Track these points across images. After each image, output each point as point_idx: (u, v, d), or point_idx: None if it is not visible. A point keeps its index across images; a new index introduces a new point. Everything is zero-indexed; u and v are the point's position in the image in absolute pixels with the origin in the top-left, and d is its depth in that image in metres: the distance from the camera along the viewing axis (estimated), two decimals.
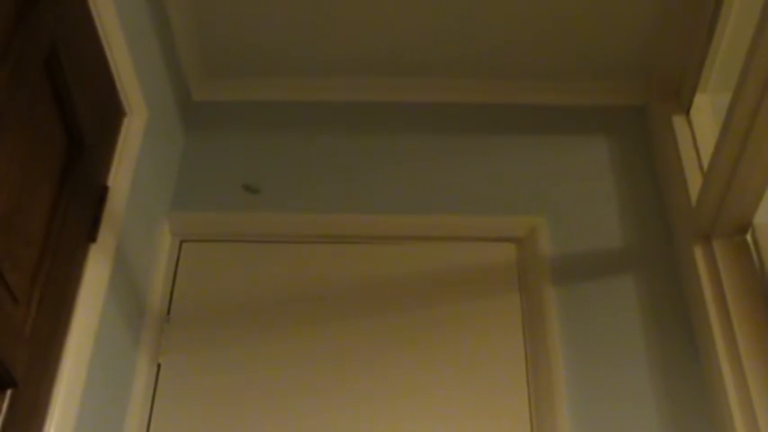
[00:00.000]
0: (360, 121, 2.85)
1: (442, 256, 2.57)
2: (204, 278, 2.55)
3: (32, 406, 1.63)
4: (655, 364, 2.34)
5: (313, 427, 2.30)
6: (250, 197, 2.66)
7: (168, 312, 2.48)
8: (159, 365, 2.39)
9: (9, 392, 1.53)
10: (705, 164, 2.47)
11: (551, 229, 2.58)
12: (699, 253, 2.35)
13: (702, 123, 2.64)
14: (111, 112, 2.12)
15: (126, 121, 2.20)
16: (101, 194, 2.02)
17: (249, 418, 2.32)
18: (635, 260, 2.52)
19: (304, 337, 2.43)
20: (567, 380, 2.31)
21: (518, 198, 2.67)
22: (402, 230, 2.62)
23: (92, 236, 1.95)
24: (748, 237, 2.34)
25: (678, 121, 2.67)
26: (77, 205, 1.86)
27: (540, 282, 2.48)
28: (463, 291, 2.51)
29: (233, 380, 2.37)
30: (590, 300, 2.45)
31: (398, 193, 2.68)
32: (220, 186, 2.69)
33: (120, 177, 2.11)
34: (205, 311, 2.49)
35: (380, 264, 2.56)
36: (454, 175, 2.71)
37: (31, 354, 1.61)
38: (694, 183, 2.47)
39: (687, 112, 2.68)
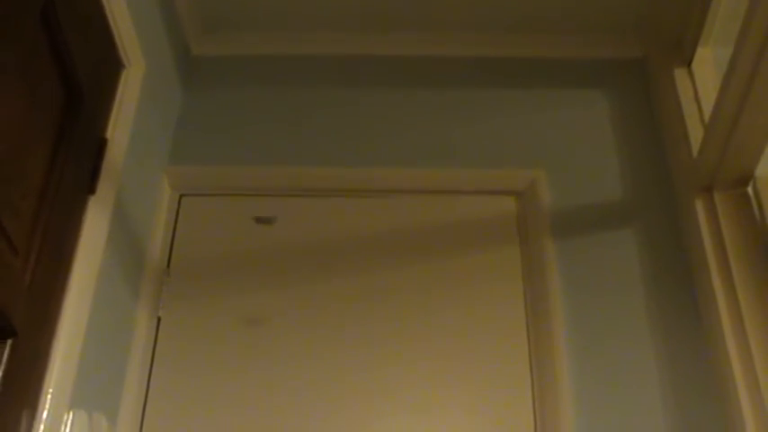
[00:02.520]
0: (358, 75, 2.83)
1: (442, 209, 2.57)
2: (204, 232, 2.55)
3: (33, 356, 1.64)
4: (655, 316, 2.34)
5: (312, 378, 2.31)
6: (248, 151, 2.66)
7: (168, 266, 2.48)
8: (159, 319, 2.39)
9: (9, 342, 1.53)
10: (707, 116, 2.46)
11: (551, 183, 2.57)
12: (700, 205, 2.34)
13: (704, 76, 2.61)
14: (109, 65, 2.10)
15: (124, 74, 2.19)
16: (99, 146, 2.01)
17: (250, 371, 2.33)
18: (635, 213, 2.52)
19: (302, 290, 2.44)
20: (566, 332, 2.32)
21: (518, 151, 2.65)
22: (401, 184, 2.62)
23: (91, 188, 1.94)
24: (749, 189, 2.33)
25: (679, 74, 2.64)
26: (76, 157, 1.85)
27: (540, 235, 2.47)
28: (463, 244, 2.51)
29: (233, 333, 2.38)
30: (590, 252, 2.45)
31: (398, 147, 2.66)
32: (219, 140, 2.68)
33: (119, 129, 2.10)
34: (205, 265, 2.49)
35: (380, 218, 2.56)
36: (454, 128, 2.70)
37: (31, 304, 1.61)
38: (696, 135, 2.46)
39: (688, 65, 2.66)
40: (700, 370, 2.26)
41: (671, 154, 2.58)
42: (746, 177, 2.31)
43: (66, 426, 1.75)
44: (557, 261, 2.43)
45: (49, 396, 1.68)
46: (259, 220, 2.56)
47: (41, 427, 1.65)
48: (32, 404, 1.64)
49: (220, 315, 2.41)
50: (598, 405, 2.24)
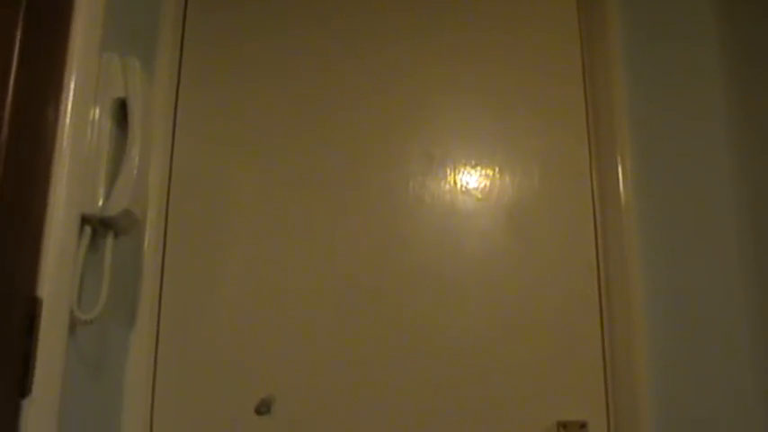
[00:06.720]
0: None
1: None
2: None
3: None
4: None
5: (349, 94, 2.23)
6: None
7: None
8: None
9: None
10: None
11: None
12: None
13: None
14: None
15: None
16: None
17: (276, 122, 2.25)
18: None
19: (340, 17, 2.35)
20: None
21: None
22: None
23: None
24: None
25: None
26: None
27: None
28: None
29: (262, 45, 2.32)
30: None
31: None
32: None
33: None
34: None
35: None
36: None
37: None
38: None
39: None
40: None
41: None
42: None
43: (99, 68, 1.65)
44: None
45: (78, 36, 1.58)
46: None
47: (74, 65, 1.55)
48: (62, 45, 1.55)
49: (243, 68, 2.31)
50: (657, 124, 2.13)
